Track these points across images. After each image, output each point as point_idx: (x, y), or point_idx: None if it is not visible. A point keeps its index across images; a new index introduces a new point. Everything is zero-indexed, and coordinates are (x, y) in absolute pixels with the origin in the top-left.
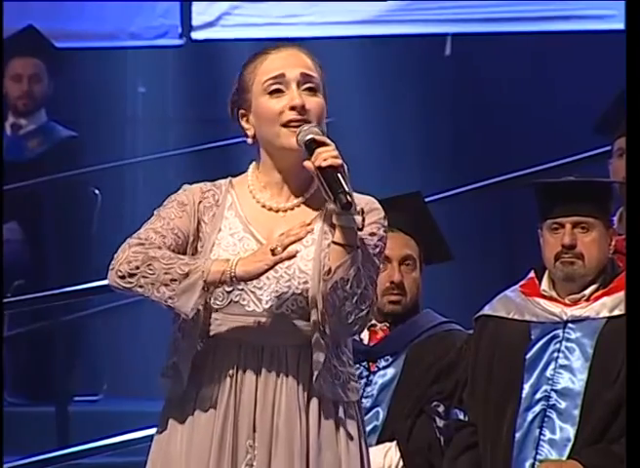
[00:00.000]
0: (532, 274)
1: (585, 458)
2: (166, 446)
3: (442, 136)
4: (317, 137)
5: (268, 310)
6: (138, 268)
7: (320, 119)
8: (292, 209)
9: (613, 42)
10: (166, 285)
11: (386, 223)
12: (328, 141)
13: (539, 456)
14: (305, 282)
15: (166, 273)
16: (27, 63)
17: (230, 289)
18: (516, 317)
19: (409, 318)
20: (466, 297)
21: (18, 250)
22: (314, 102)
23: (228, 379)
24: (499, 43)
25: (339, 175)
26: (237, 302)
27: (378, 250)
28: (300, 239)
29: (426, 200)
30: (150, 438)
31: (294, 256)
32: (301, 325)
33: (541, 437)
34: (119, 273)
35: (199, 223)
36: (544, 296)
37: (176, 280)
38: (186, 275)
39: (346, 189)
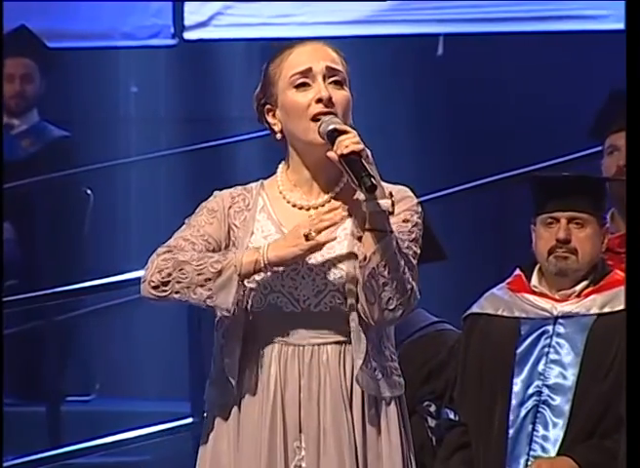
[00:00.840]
0: (518, 271)
1: (578, 455)
2: (214, 455)
3: (434, 136)
4: (339, 127)
5: (306, 310)
6: (170, 275)
7: (346, 112)
8: (322, 205)
9: (606, 42)
10: (201, 285)
11: (420, 210)
12: (349, 129)
13: (532, 453)
14: (341, 277)
15: (199, 274)
16: (19, 63)
17: (267, 291)
18: (505, 314)
19: None
20: (458, 297)
21: (10, 249)
22: (340, 95)
23: (272, 382)
24: (491, 43)
25: (362, 159)
26: (275, 304)
27: (413, 236)
28: (334, 224)
29: (422, 199)
30: (143, 438)
31: (333, 240)
32: (340, 321)
33: (534, 433)
34: (152, 284)
35: (230, 228)
36: (534, 292)
37: (210, 279)
38: (220, 272)
39: (370, 172)
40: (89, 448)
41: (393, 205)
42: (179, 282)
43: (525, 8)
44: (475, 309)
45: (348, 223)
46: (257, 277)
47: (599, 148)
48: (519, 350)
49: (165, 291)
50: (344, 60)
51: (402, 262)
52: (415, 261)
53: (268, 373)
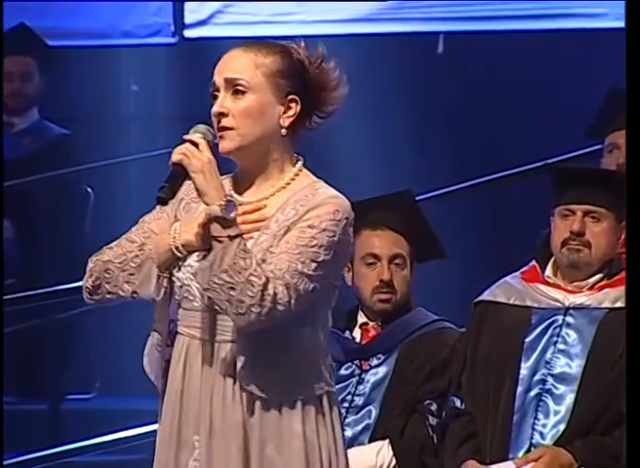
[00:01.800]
0: (533, 262)
1: (577, 450)
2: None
3: (434, 135)
4: (186, 136)
5: (207, 305)
6: (98, 278)
7: (249, 118)
8: (252, 203)
9: (606, 40)
10: (127, 282)
11: (340, 219)
12: (195, 139)
13: (532, 440)
14: None
15: (122, 270)
16: (19, 61)
17: (179, 283)
18: (517, 303)
19: (401, 316)
20: (458, 296)
21: (10, 248)
22: (236, 106)
23: (179, 376)
24: (491, 41)
25: (174, 171)
26: (187, 298)
27: (316, 241)
28: (252, 222)
29: (419, 198)
30: (143, 435)
31: (247, 233)
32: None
33: (536, 421)
34: (87, 290)
35: (177, 220)
36: (548, 283)
37: (133, 274)
38: (140, 266)
39: (171, 185)
40: (89, 447)
41: (224, 212)
42: (107, 282)
43: (525, 6)
44: (487, 296)
45: (273, 225)
46: (175, 270)
47: (600, 146)
48: (528, 339)
49: (99, 294)
50: (268, 62)
51: (250, 266)
52: (311, 266)
53: (176, 367)
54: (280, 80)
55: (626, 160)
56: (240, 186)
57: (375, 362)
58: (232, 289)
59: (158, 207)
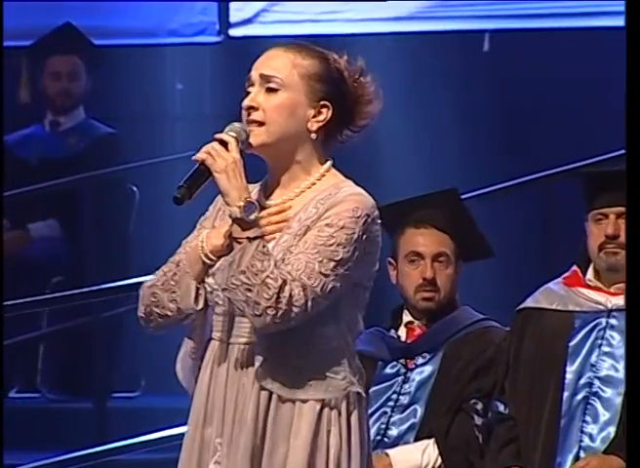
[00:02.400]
0: (575, 267)
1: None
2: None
3: (481, 133)
4: (217, 136)
5: (230, 309)
6: (148, 306)
7: (278, 115)
8: (276, 205)
9: None
10: (171, 301)
11: (360, 217)
12: (225, 138)
13: (582, 444)
14: None
15: (165, 291)
16: (65, 61)
17: (210, 289)
18: (559, 308)
19: (446, 315)
20: (504, 295)
21: (56, 246)
22: (269, 102)
23: (206, 379)
24: (537, 39)
25: (199, 170)
26: (217, 302)
27: (334, 240)
28: (276, 223)
29: (467, 196)
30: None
31: (269, 235)
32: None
33: (584, 424)
34: (142, 319)
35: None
36: (589, 286)
37: (175, 292)
38: (178, 283)
39: (189, 185)
40: (134, 445)
41: (246, 212)
42: (156, 306)
43: (572, 4)
44: (530, 303)
45: (295, 224)
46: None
47: None
48: (572, 343)
49: (152, 320)
50: (301, 65)
51: (268, 268)
52: (329, 265)
53: (205, 370)
54: (315, 83)
55: (626, 159)
56: (268, 189)
57: (420, 360)
58: (249, 290)
59: (198, 225)
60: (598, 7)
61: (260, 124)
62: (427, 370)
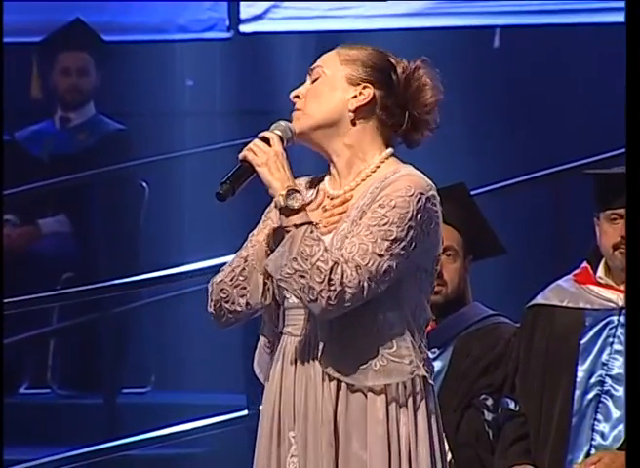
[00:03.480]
0: (585, 264)
1: None
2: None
3: (491, 129)
4: (261, 134)
5: (297, 302)
6: (217, 302)
7: (315, 98)
8: (339, 196)
9: None
10: (241, 296)
11: (414, 195)
12: (267, 135)
13: (593, 442)
14: None
15: (235, 287)
16: (75, 57)
17: (276, 284)
18: (570, 305)
19: (455, 310)
20: (515, 290)
21: (66, 242)
22: (307, 88)
23: (277, 373)
24: (548, 35)
25: (242, 168)
26: (285, 297)
27: (386, 220)
28: (339, 214)
29: (476, 193)
30: (198, 430)
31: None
32: None
33: (595, 423)
34: (212, 316)
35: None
36: (600, 284)
37: (245, 287)
38: (247, 278)
39: (232, 182)
40: (145, 440)
41: (288, 199)
42: (226, 302)
43: (584, 0)
44: (540, 300)
45: (353, 212)
46: None
47: None
48: (583, 341)
49: (222, 316)
50: (351, 61)
51: (318, 252)
52: (383, 244)
53: (275, 365)
54: (358, 67)
55: (626, 158)
56: (332, 180)
57: (430, 356)
58: (302, 276)
59: (264, 217)
60: (610, 3)
61: (300, 111)
62: (437, 365)
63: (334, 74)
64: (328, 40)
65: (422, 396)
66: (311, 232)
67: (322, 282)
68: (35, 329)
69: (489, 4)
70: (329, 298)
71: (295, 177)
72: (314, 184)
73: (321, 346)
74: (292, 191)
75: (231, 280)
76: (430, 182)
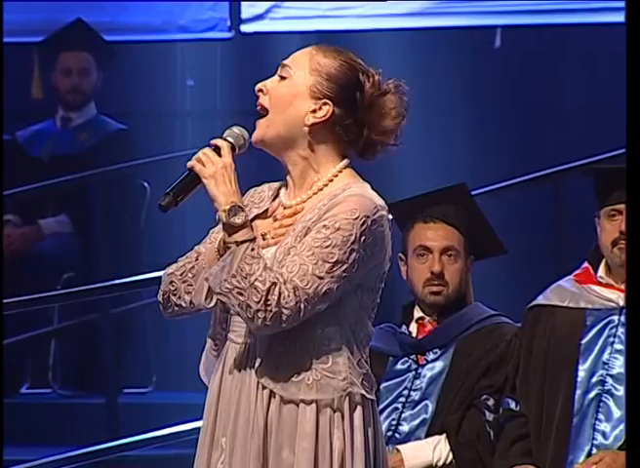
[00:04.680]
0: (586, 264)
1: None
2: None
3: (492, 129)
4: (212, 141)
5: None
6: (165, 292)
7: (277, 102)
8: (290, 207)
9: None
10: (187, 292)
11: (359, 218)
12: (218, 143)
13: (595, 441)
14: None
15: (183, 282)
16: (76, 57)
17: None
18: (571, 305)
19: (456, 310)
20: (516, 290)
21: (67, 242)
22: (273, 88)
23: (217, 379)
24: (549, 35)
25: (187, 176)
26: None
27: (330, 242)
28: (287, 227)
29: (477, 193)
30: (199, 430)
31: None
32: None
33: (597, 422)
34: (160, 304)
35: None
36: (600, 283)
37: (192, 284)
38: (195, 276)
39: (170, 191)
40: (146, 441)
41: (230, 216)
42: (173, 294)
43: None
44: (541, 300)
45: (298, 226)
46: None
47: None
48: (584, 340)
49: (169, 307)
50: (331, 62)
51: (257, 271)
52: (323, 267)
53: (216, 370)
54: (323, 81)
55: (626, 160)
56: (287, 191)
57: (431, 356)
58: (240, 294)
59: None
60: (612, 3)
61: (264, 111)
62: (438, 365)
63: (299, 81)
64: (328, 40)
65: (360, 412)
66: (252, 250)
67: (259, 302)
68: (36, 329)
69: (490, 4)
70: (265, 318)
71: (267, 182)
72: (276, 189)
73: (260, 358)
74: (235, 208)
75: (181, 275)
76: (379, 202)
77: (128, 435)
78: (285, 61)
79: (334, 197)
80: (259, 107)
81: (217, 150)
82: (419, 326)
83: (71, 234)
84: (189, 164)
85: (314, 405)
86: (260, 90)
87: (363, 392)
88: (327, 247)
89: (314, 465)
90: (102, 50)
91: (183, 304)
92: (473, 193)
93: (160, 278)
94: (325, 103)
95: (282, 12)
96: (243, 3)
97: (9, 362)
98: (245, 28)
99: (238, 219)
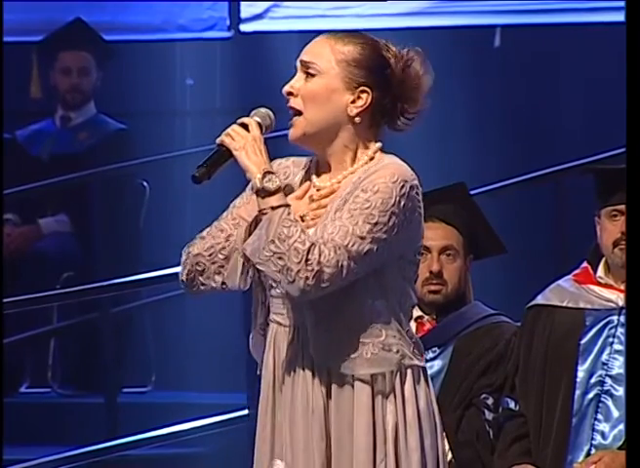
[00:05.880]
0: (585, 264)
1: None
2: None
3: (491, 128)
4: (240, 120)
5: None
6: (191, 272)
7: (312, 100)
8: (326, 188)
9: None
10: (217, 273)
11: (397, 182)
12: (246, 121)
13: (594, 442)
14: None
15: (212, 263)
16: (76, 56)
17: (261, 273)
18: (570, 305)
19: (455, 309)
20: (516, 290)
21: (67, 242)
22: (304, 87)
23: (270, 365)
24: (548, 34)
25: (220, 152)
26: (271, 285)
27: (368, 204)
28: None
29: (476, 192)
30: (198, 429)
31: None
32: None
33: (596, 422)
34: (183, 283)
35: None
36: (600, 284)
37: (223, 266)
38: (227, 258)
39: (208, 165)
40: (145, 440)
41: (264, 181)
42: (200, 274)
43: None
44: (540, 300)
45: (337, 202)
46: None
47: None
48: (583, 341)
49: (194, 286)
50: (345, 51)
51: (295, 233)
52: (364, 227)
53: (267, 355)
54: (354, 69)
55: (626, 160)
56: (319, 171)
57: (430, 355)
58: (280, 258)
59: (248, 190)
60: (613, 2)
61: (298, 112)
62: (437, 364)
63: (329, 74)
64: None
65: (411, 384)
66: (288, 214)
67: (299, 262)
68: (36, 328)
69: (489, 3)
70: (307, 278)
71: (285, 156)
72: (302, 167)
73: (311, 336)
74: (268, 173)
75: (210, 255)
76: (414, 173)
77: (127, 434)
78: (304, 58)
79: (369, 169)
80: (291, 111)
81: (244, 127)
82: (417, 325)
83: (71, 233)
84: (219, 139)
85: (369, 380)
86: (290, 93)
87: (416, 362)
88: (367, 208)
89: (373, 441)
90: (102, 49)
91: (213, 284)
92: (472, 192)
93: (160, 278)
94: (362, 91)
95: (281, 11)
96: (242, 2)
97: (8, 361)
98: (244, 28)
99: (272, 185)
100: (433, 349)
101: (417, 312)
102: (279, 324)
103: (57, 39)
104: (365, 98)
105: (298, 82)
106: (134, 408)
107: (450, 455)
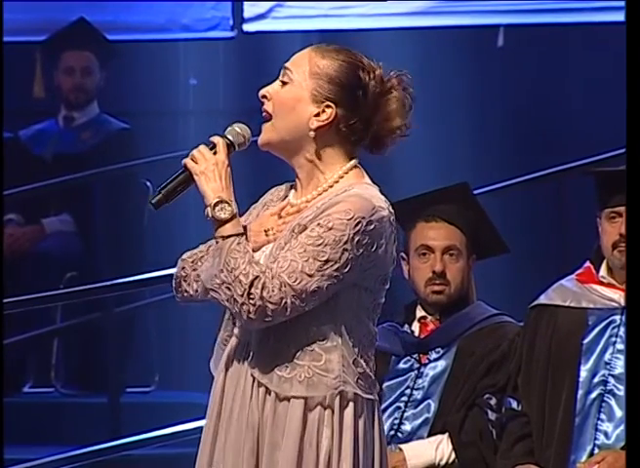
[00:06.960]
0: (588, 263)
1: None
2: None
3: (494, 128)
4: (211, 138)
5: None
6: (177, 277)
7: (281, 107)
8: (294, 205)
9: None
10: (196, 281)
11: (353, 219)
12: (215, 140)
13: (597, 441)
14: None
15: (194, 270)
16: (79, 56)
17: None
18: (573, 304)
19: (459, 309)
20: (519, 290)
21: (70, 241)
22: (275, 94)
23: (221, 376)
24: (552, 34)
25: (182, 173)
26: None
27: (321, 241)
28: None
29: (479, 192)
30: (201, 429)
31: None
32: None
33: (599, 422)
34: (173, 288)
35: None
36: (602, 283)
37: (199, 275)
38: (202, 259)
39: (166, 189)
40: (148, 440)
41: (215, 211)
42: (184, 280)
43: None
44: (543, 300)
45: (295, 223)
46: None
47: None
48: (586, 340)
49: (180, 291)
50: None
51: (241, 265)
52: (314, 264)
53: (221, 367)
54: (324, 83)
55: (626, 161)
56: (296, 187)
57: (434, 355)
58: (228, 288)
59: (252, 208)
60: (616, 2)
61: (268, 118)
62: (441, 364)
63: (300, 85)
64: (331, 39)
65: (352, 411)
66: (238, 244)
67: (242, 295)
68: (39, 328)
69: (492, 3)
70: (249, 311)
71: (277, 182)
72: (290, 189)
73: (254, 353)
74: (220, 202)
75: (192, 262)
76: (378, 204)
77: (130, 434)
78: (286, 64)
79: (334, 197)
80: (264, 113)
81: (213, 147)
82: (421, 325)
83: (74, 233)
84: (184, 161)
85: (303, 402)
86: (264, 96)
87: (358, 391)
88: (319, 245)
89: (297, 463)
90: (105, 49)
91: (192, 292)
92: (475, 192)
93: (164, 277)
94: (327, 106)
95: (284, 11)
96: (245, 2)
97: (11, 361)
98: (247, 28)
99: (223, 214)
100: (437, 349)
101: (420, 312)
102: (235, 336)
103: (60, 39)
104: (329, 114)
105: (273, 87)
106: (137, 407)
107: (453, 455)
